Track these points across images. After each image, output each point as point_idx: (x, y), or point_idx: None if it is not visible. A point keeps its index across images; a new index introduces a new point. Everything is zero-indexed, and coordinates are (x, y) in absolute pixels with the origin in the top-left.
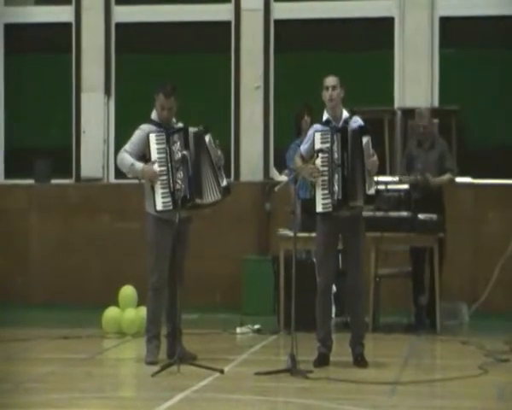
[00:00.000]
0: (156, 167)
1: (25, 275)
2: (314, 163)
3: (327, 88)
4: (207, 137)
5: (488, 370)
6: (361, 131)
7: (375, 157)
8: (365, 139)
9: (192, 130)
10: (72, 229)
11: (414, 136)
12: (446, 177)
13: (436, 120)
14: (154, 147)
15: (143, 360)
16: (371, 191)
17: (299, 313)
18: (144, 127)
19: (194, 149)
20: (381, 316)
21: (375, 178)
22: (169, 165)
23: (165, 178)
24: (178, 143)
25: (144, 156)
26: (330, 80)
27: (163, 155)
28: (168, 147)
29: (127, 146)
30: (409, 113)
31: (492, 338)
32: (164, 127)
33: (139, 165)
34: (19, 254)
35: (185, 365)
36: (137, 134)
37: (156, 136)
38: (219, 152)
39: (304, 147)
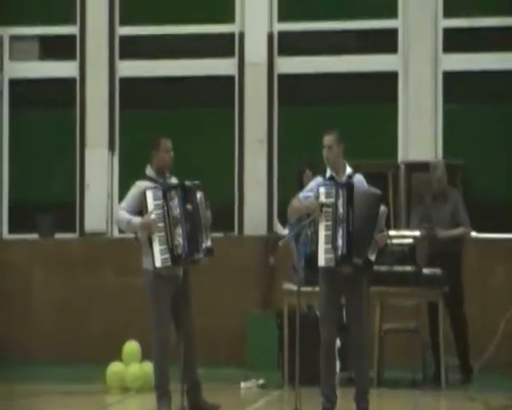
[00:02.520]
0: (153, 216)
1: (28, 331)
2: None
3: (323, 147)
4: (199, 194)
5: None
6: (379, 198)
7: (386, 233)
8: (382, 208)
9: (186, 184)
10: (76, 284)
11: (428, 190)
12: (457, 231)
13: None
14: (151, 203)
15: None
16: (372, 257)
17: (303, 368)
18: (140, 184)
19: (190, 204)
20: (385, 371)
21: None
22: (167, 221)
23: (163, 234)
24: (175, 199)
25: (141, 213)
26: (326, 140)
27: (160, 211)
28: (165, 203)
29: (123, 204)
30: (412, 167)
31: (498, 395)
32: (159, 183)
33: (136, 219)
34: (22, 310)
35: None
36: (133, 191)
37: (153, 192)
38: (209, 213)
39: (303, 195)
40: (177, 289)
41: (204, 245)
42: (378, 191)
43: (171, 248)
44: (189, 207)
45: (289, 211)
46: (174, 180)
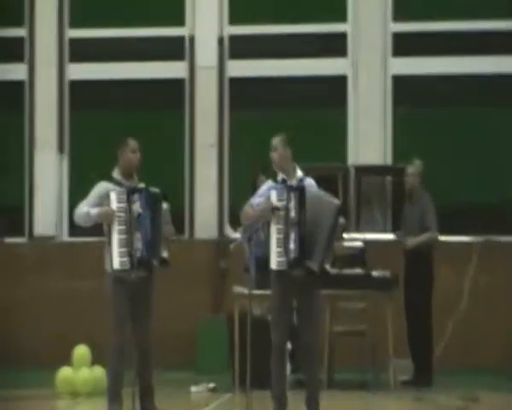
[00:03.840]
0: (114, 207)
1: None
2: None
3: (271, 150)
4: (165, 205)
5: None
6: (337, 209)
7: (342, 244)
8: (341, 220)
9: (152, 190)
10: (25, 288)
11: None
12: (424, 237)
13: (389, 178)
14: (114, 205)
15: None
16: (327, 266)
17: (254, 371)
18: (103, 184)
19: (152, 210)
20: (336, 373)
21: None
22: (128, 224)
23: (123, 236)
24: (138, 203)
25: None
26: (272, 142)
27: (122, 214)
28: (128, 206)
29: (84, 201)
30: (362, 170)
31: (447, 394)
32: (125, 186)
33: (94, 210)
34: None
35: None
36: (95, 190)
37: (117, 193)
38: (171, 227)
39: (255, 200)
40: (136, 292)
41: (161, 255)
42: (337, 201)
43: (129, 251)
44: (151, 212)
45: (242, 217)
46: (142, 185)
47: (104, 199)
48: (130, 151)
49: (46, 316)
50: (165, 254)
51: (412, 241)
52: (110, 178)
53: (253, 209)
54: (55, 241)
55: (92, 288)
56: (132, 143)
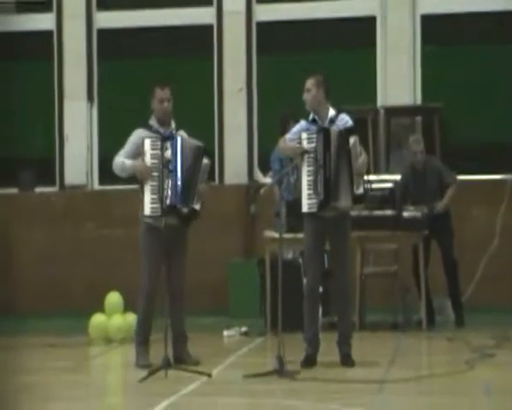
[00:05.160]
0: (148, 162)
1: (10, 284)
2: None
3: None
4: (205, 160)
5: (474, 365)
6: (347, 131)
7: (364, 156)
8: (352, 140)
9: (193, 142)
10: (57, 237)
11: (408, 163)
12: (450, 194)
13: (419, 118)
14: (148, 152)
15: (134, 364)
16: (360, 191)
17: (285, 315)
18: (139, 131)
19: (191, 159)
20: (367, 315)
21: (366, 177)
22: (161, 171)
23: (155, 183)
24: (170, 151)
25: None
26: (307, 83)
27: (156, 161)
28: (161, 153)
29: (121, 150)
30: (392, 111)
31: (478, 334)
32: (160, 134)
33: (130, 162)
34: (4, 263)
35: (173, 370)
36: (132, 138)
37: (151, 141)
38: (206, 186)
39: (290, 136)
40: (170, 239)
41: (193, 205)
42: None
43: (161, 198)
44: (184, 160)
45: (277, 149)
46: (183, 133)
47: (140, 146)
48: (158, 101)
49: (78, 264)
50: (197, 206)
51: (441, 204)
52: (147, 126)
53: (285, 143)
54: (86, 190)
55: (123, 235)
56: (159, 93)
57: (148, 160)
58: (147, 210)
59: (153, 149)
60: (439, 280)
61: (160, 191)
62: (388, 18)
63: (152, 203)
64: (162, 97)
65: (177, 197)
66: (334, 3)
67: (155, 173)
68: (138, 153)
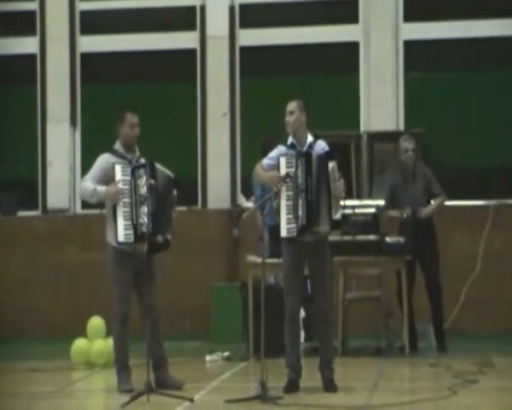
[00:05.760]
0: (120, 185)
1: None
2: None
3: (286, 114)
4: (175, 192)
5: (457, 391)
6: (327, 156)
7: (341, 181)
8: (331, 164)
9: (163, 171)
10: (39, 261)
11: (390, 160)
12: (436, 203)
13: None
14: (118, 178)
15: (117, 390)
16: (337, 216)
17: (268, 340)
18: (107, 157)
19: (164, 188)
20: (350, 340)
21: (343, 203)
22: (133, 198)
23: (128, 209)
24: (144, 178)
25: (108, 184)
26: (288, 106)
27: (127, 187)
28: (133, 180)
29: (88, 175)
30: (375, 137)
31: (461, 360)
32: (128, 159)
33: (102, 187)
34: None
35: (155, 394)
36: (99, 163)
37: (122, 167)
38: (175, 213)
39: (267, 162)
40: (139, 265)
41: (166, 234)
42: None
43: (135, 224)
44: (158, 189)
45: (255, 176)
46: (143, 160)
47: (108, 171)
48: (128, 126)
49: (61, 288)
50: (169, 236)
51: (426, 210)
52: (112, 151)
53: (264, 170)
54: (69, 214)
55: (106, 260)
56: (130, 118)
57: (118, 181)
58: (120, 237)
59: (123, 175)
60: (423, 306)
61: (132, 218)
62: (371, 44)
63: (126, 230)
64: (133, 122)
65: (154, 225)
66: (318, 29)
67: (127, 200)
68: (106, 178)
